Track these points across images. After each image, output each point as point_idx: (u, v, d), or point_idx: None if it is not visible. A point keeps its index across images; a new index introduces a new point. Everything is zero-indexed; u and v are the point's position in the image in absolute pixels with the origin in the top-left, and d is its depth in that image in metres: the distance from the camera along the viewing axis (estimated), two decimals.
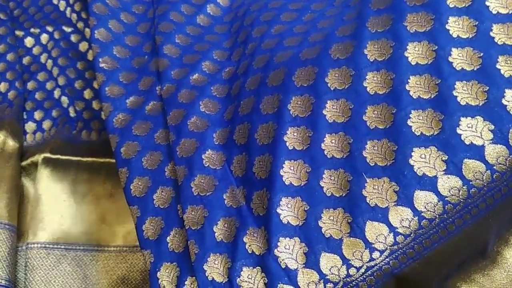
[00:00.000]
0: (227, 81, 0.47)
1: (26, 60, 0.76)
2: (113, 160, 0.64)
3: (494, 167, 0.32)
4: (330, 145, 0.36)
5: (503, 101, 0.33)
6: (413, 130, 0.34)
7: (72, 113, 0.71)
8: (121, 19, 0.58)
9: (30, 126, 0.70)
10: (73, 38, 0.77)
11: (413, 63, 0.36)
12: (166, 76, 0.49)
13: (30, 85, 0.73)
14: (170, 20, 0.55)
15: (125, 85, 0.51)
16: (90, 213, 0.62)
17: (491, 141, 0.33)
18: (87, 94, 0.72)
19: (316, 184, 0.35)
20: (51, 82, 0.73)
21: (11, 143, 0.65)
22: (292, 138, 0.37)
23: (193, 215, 0.38)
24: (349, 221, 0.33)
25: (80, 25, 0.77)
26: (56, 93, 0.72)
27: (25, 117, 0.71)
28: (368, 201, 0.33)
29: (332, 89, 0.38)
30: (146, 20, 0.57)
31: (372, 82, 0.37)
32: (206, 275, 0.35)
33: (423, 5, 0.38)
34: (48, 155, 0.65)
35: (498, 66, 0.34)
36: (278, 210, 0.35)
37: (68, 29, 0.78)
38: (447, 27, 0.36)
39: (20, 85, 0.72)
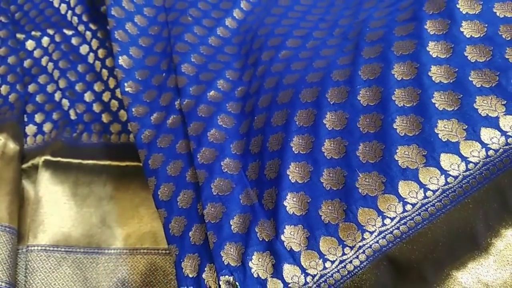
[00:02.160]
0: (240, 99, 0.58)
1: (27, 63, 0.82)
2: (114, 163, 0.71)
3: (468, 159, 0.40)
4: (329, 148, 0.45)
5: (475, 106, 0.42)
6: (398, 132, 0.43)
7: (72, 116, 0.76)
8: (140, 44, 0.69)
9: (30, 128, 0.75)
10: (74, 41, 0.83)
11: (398, 79, 0.46)
12: (185, 92, 0.59)
13: (31, 87, 0.78)
14: (185, 41, 0.66)
15: (148, 104, 0.62)
16: (91, 216, 0.67)
17: (464, 138, 0.41)
18: (87, 96, 0.78)
19: (317, 180, 0.44)
20: (52, 84, 0.79)
21: (12, 146, 0.70)
22: (297, 144, 0.47)
23: (213, 211, 0.47)
24: (344, 208, 0.42)
25: (81, 28, 0.84)
26: (57, 96, 0.78)
27: (25, 119, 0.75)
28: (360, 191, 0.42)
29: (331, 103, 0.47)
30: (162, 39, 0.69)
31: (365, 96, 0.46)
32: (223, 260, 0.44)
33: (408, 35, 0.48)
34: (48, 157, 0.70)
35: (470, 79, 0.43)
36: (285, 203, 0.44)
37: (69, 32, 0.84)
38: (427, 49, 0.46)
39: (21, 88, 0.77)
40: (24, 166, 0.71)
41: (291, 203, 0.44)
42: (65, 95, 0.78)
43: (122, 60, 0.66)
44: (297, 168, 0.45)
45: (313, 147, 0.46)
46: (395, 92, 0.45)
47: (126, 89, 0.64)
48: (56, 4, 0.88)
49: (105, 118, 0.77)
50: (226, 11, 0.72)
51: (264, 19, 0.68)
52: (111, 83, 0.80)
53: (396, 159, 0.42)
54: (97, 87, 0.80)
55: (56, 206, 0.67)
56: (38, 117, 0.77)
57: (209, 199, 0.48)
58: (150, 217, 0.68)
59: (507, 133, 0.40)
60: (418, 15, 0.49)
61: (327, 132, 0.46)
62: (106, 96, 0.79)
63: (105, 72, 0.81)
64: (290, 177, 0.45)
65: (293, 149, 0.47)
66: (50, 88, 0.80)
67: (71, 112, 0.77)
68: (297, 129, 0.48)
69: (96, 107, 0.78)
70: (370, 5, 0.61)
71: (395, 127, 0.43)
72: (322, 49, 0.56)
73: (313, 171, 0.45)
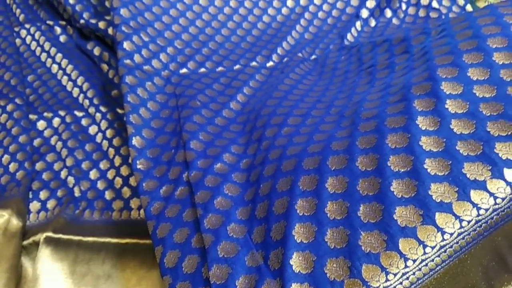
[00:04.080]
0: (245, 170, 0.64)
1: (37, 142, 0.88)
2: (114, 240, 0.73)
3: (461, 217, 0.45)
4: (332, 209, 0.50)
5: (463, 171, 0.48)
6: (395, 194, 0.48)
7: (77, 193, 0.80)
8: (152, 126, 0.76)
9: (34, 205, 0.78)
10: (83, 122, 0.91)
11: (392, 147, 0.52)
12: (193, 165, 0.65)
13: (39, 165, 0.84)
14: (194, 121, 0.74)
15: (158, 178, 0.67)
16: None
17: (456, 199, 0.46)
18: (92, 174, 0.83)
19: (322, 240, 0.48)
20: (59, 162, 0.84)
21: (15, 222, 0.72)
22: (301, 206, 0.52)
23: (219, 272, 0.50)
24: (348, 265, 0.45)
25: (91, 110, 0.92)
26: (63, 174, 0.83)
27: (30, 196, 0.79)
28: (363, 249, 0.46)
29: (332, 169, 0.53)
30: (172, 121, 0.77)
31: (362, 162, 0.52)
32: None
33: (399, 112, 0.56)
34: (50, 234, 0.72)
35: (457, 148, 0.50)
36: (291, 262, 0.47)
37: (79, 114, 0.92)
38: (417, 122, 0.53)
39: (29, 165, 0.82)
40: (25, 243, 0.73)
41: (296, 262, 0.47)
42: (71, 172, 0.83)
43: (135, 141, 0.73)
44: (302, 229, 0.50)
45: (317, 209, 0.51)
46: (390, 158, 0.51)
47: (138, 167, 0.69)
48: (69, 88, 0.99)
49: (108, 195, 0.81)
50: (230, 96, 0.82)
51: (266, 101, 0.76)
52: (117, 161, 0.86)
53: (395, 218, 0.46)
54: (102, 165, 0.85)
55: (54, 285, 0.68)
56: (42, 194, 0.81)
57: (215, 261, 0.51)
58: None
59: (495, 194, 0.46)
60: (407, 97, 0.58)
61: (329, 195, 0.51)
62: (110, 174, 0.84)
63: (111, 151, 0.87)
64: (295, 238, 0.49)
65: (298, 211, 0.51)
66: (57, 166, 0.85)
67: (76, 189, 0.81)
68: (301, 193, 0.53)
69: (100, 184, 0.82)
70: (362, 90, 0.70)
71: (392, 189, 0.49)
72: (320, 124, 0.63)
73: (317, 231, 0.49)
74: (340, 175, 0.53)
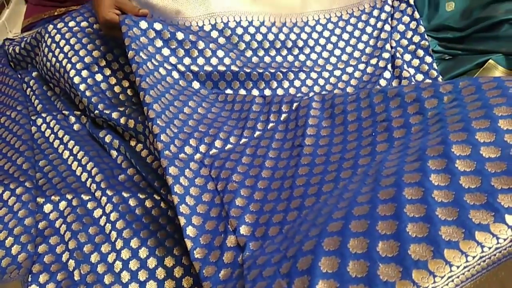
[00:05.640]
0: (289, 237, 0.82)
1: (41, 224, 1.03)
2: None
3: (467, 253, 0.63)
4: (353, 268, 0.68)
5: (469, 216, 0.66)
6: (410, 234, 0.68)
7: (76, 277, 0.93)
8: (198, 212, 0.95)
9: None
10: (89, 205, 1.08)
11: (408, 198, 0.72)
12: (247, 248, 0.85)
13: (41, 248, 0.98)
14: (237, 206, 0.95)
15: (215, 263, 0.86)
16: None
17: (463, 238, 0.66)
18: (93, 258, 0.96)
19: None
20: (62, 245, 0.98)
21: None
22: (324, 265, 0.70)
23: None
24: None
25: (98, 193, 1.10)
26: (64, 257, 0.96)
27: (29, 279, 0.92)
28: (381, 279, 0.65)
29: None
30: (215, 206, 0.97)
31: (382, 209, 0.72)
32: None
33: (415, 170, 0.78)
34: None
35: (465, 199, 0.69)
36: None
37: (86, 197, 1.08)
38: (430, 179, 0.74)
39: (32, 248, 0.96)
40: None
41: None
42: (73, 256, 0.98)
43: (189, 231, 0.92)
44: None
45: (340, 267, 0.69)
46: (406, 206, 0.71)
47: (196, 256, 0.88)
48: (78, 173, 1.23)
49: (107, 279, 0.96)
50: (260, 166, 1.06)
51: (298, 169, 0.99)
52: (118, 244, 1.01)
53: (410, 253, 0.66)
54: (104, 248, 1.00)
55: None
56: (42, 278, 0.95)
57: None
58: None
59: (497, 235, 0.65)
60: (422, 157, 0.77)
61: (351, 233, 0.71)
62: (111, 257, 0.99)
63: (114, 234, 1.04)
64: None
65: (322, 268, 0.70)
66: (59, 249, 1.00)
67: (76, 272, 0.96)
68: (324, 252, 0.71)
69: (100, 268, 0.97)
70: (383, 149, 0.92)
71: (407, 230, 0.68)
72: (350, 185, 0.86)
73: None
74: (363, 219, 0.73)
